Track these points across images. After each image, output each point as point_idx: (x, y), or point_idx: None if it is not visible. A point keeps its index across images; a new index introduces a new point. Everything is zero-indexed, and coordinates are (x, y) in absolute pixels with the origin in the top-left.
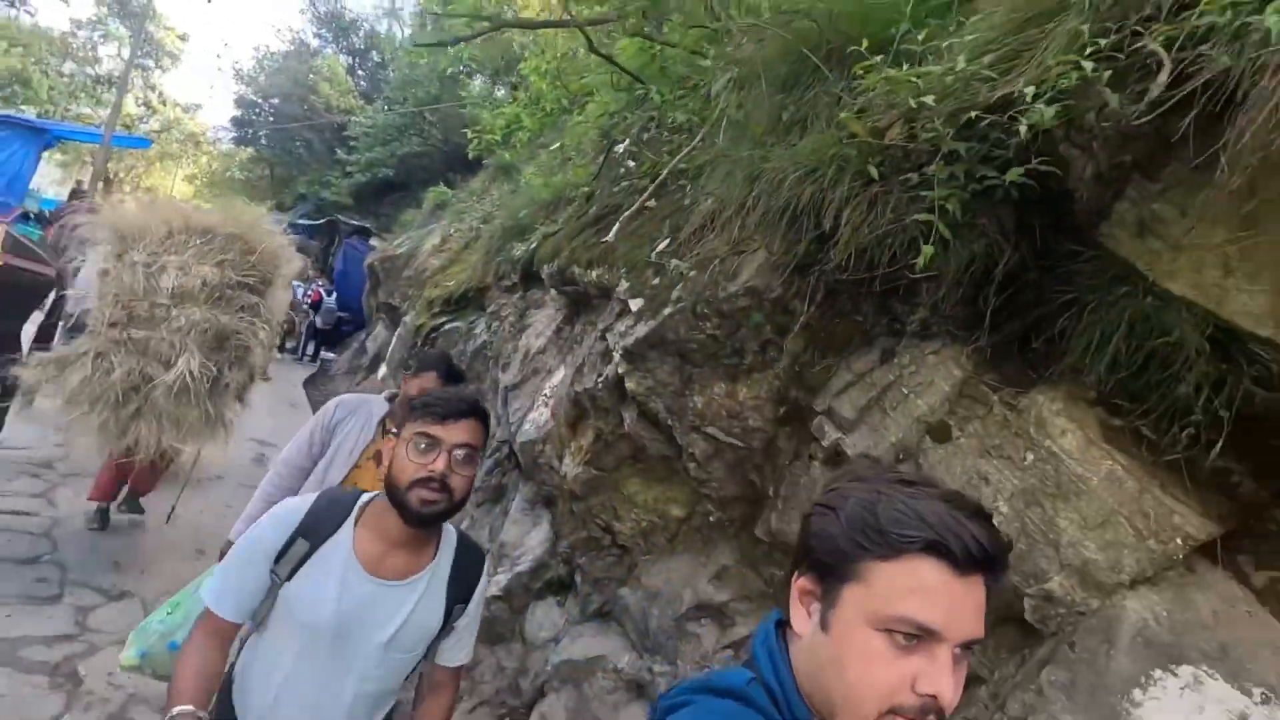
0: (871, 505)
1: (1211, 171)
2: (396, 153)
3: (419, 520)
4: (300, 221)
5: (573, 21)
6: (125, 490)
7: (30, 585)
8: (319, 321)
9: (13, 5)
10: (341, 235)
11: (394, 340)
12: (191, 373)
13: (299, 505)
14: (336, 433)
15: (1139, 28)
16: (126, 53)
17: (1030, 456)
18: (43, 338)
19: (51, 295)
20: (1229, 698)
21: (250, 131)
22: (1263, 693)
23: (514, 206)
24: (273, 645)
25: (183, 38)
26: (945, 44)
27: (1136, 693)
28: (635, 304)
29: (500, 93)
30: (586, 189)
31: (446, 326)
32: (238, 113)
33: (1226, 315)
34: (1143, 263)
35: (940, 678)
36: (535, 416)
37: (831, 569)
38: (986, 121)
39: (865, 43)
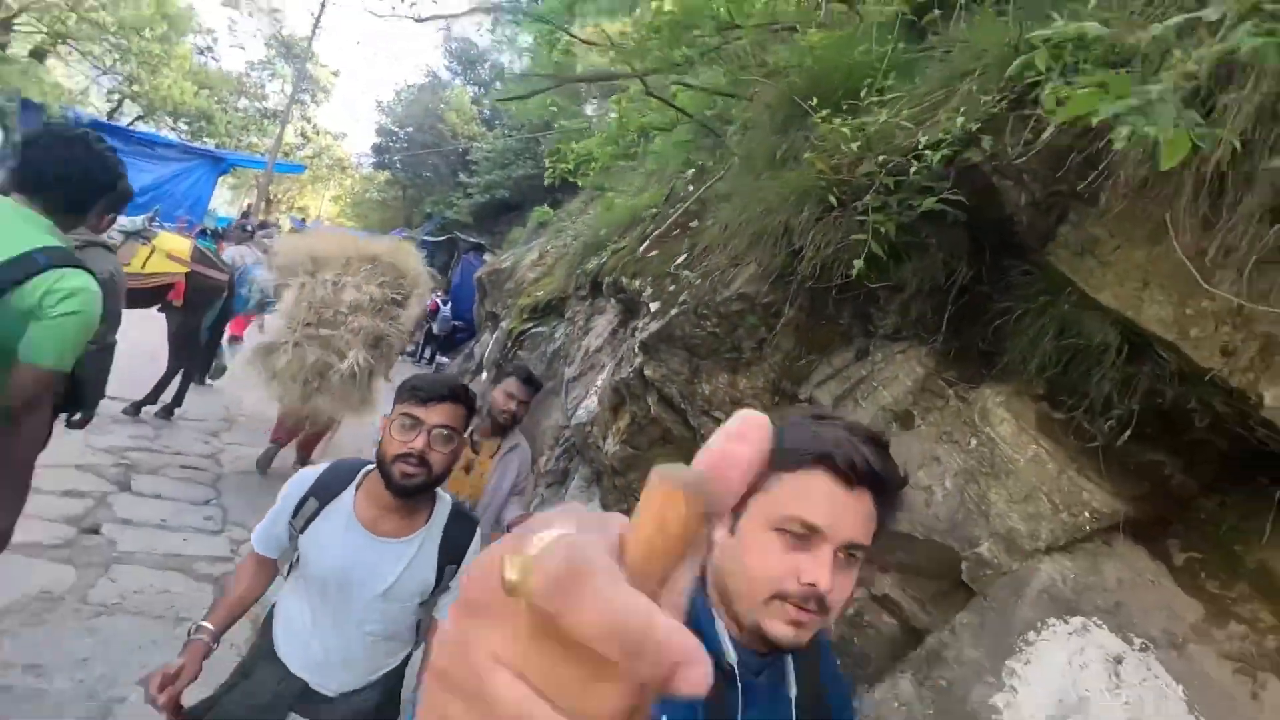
0: (781, 431)
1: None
2: (512, 175)
3: (400, 491)
4: (425, 238)
5: (632, 73)
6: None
7: (200, 521)
8: (435, 328)
9: (203, 54)
10: (460, 251)
11: (491, 342)
12: (358, 364)
13: (314, 470)
14: None
15: (1024, 92)
16: (289, 89)
17: (974, 441)
18: (215, 329)
19: (223, 296)
20: (1109, 643)
21: (387, 157)
22: (1142, 642)
23: (596, 225)
24: (297, 589)
25: (335, 74)
26: (880, 100)
27: (1031, 634)
28: (653, 306)
29: (612, 116)
30: (655, 210)
31: (532, 331)
32: (377, 140)
33: (1142, 323)
34: (1080, 278)
35: (821, 570)
36: (588, 404)
37: None
38: (892, 164)
39: (837, 93)
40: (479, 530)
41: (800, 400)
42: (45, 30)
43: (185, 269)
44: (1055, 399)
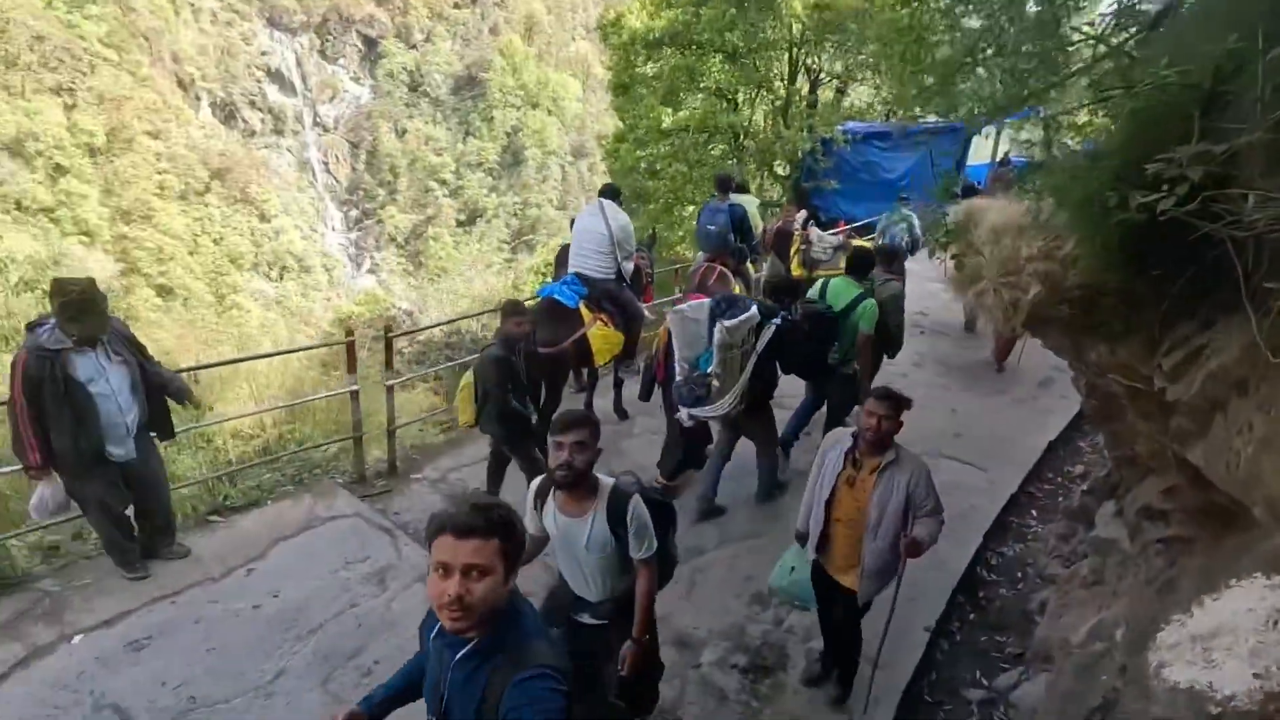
0: (433, 517)
1: None
2: None
3: (556, 484)
4: None
5: None
6: None
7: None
8: None
9: None
10: None
11: None
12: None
13: (531, 485)
14: (825, 460)
15: None
16: None
17: (1274, 412)
18: None
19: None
20: None
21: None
22: None
23: None
24: (554, 550)
25: None
26: None
27: (1234, 580)
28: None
29: None
30: None
31: None
32: None
33: None
34: None
35: (451, 586)
36: None
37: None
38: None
39: None
40: (631, 501)
41: (1156, 367)
42: (840, 75)
43: None
44: None
